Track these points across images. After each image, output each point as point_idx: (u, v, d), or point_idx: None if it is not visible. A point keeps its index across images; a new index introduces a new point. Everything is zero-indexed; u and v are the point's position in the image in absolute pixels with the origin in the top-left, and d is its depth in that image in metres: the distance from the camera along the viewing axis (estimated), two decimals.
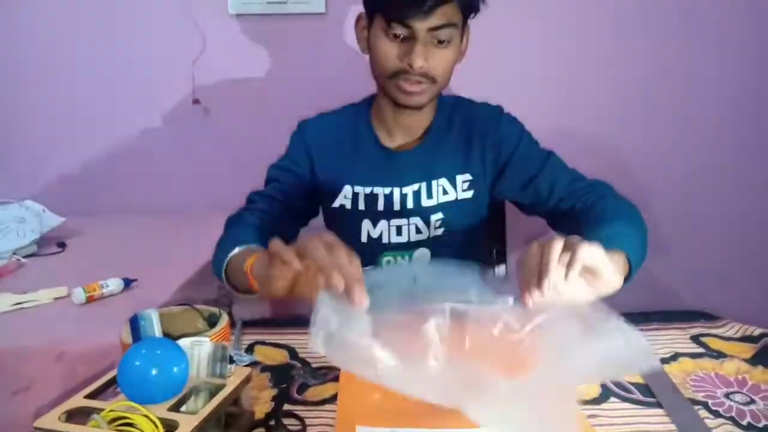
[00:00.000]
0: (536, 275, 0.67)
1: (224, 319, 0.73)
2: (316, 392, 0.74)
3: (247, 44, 1.67)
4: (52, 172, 1.77)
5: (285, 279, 0.71)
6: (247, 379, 0.59)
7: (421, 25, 0.94)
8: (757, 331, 0.87)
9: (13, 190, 1.56)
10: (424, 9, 0.92)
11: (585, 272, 0.68)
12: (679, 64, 1.64)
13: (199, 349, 0.58)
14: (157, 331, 0.65)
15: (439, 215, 1.10)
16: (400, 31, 0.95)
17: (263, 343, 0.87)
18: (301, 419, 0.68)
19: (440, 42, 0.97)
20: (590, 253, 0.67)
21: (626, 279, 0.80)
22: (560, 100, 1.68)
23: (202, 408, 0.53)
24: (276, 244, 0.71)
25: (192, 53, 1.65)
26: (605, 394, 0.72)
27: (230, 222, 1.04)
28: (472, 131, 1.10)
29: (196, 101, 1.68)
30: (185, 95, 1.68)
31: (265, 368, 0.80)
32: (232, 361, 0.59)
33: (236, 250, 0.89)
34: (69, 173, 1.77)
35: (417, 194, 1.09)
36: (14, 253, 1.29)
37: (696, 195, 1.71)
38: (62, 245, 1.40)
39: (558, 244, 0.67)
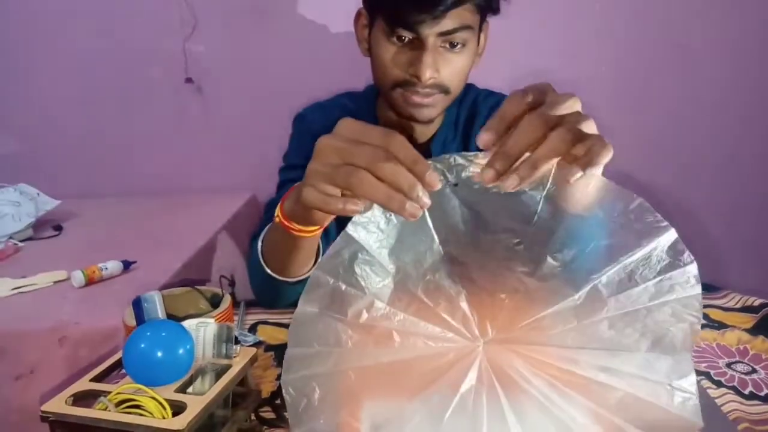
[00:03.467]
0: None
1: (227, 300, 0.72)
2: None
3: (239, 20, 1.63)
4: (45, 155, 1.74)
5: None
6: (253, 359, 0.59)
7: (430, 30, 0.78)
8: (758, 302, 0.88)
9: (6, 175, 1.54)
10: (434, 14, 0.76)
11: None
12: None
13: (204, 330, 0.58)
14: (161, 313, 0.64)
15: None
16: (405, 34, 0.80)
17: (266, 322, 0.87)
18: None
19: (453, 46, 0.82)
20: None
21: None
22: None
23: (209, 389, 0.53)
24: (311, 194, 0.55)
25: (183, 31, 1.62)
26: None
27: (255, 237, 0.94)
28: (471, 129, 0.98)
29: (188, 80, 1.65)
30: (178, 74, 1.65)
31: (269, 347, 0.80)
32: (237, 341, 0.59)
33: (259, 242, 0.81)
34: (63, 156, 1.75)
35: None
36: (10, 238, 1.28)
37: (696, 167, 1.71)
38: (59, 228, 1.39)
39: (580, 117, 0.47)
